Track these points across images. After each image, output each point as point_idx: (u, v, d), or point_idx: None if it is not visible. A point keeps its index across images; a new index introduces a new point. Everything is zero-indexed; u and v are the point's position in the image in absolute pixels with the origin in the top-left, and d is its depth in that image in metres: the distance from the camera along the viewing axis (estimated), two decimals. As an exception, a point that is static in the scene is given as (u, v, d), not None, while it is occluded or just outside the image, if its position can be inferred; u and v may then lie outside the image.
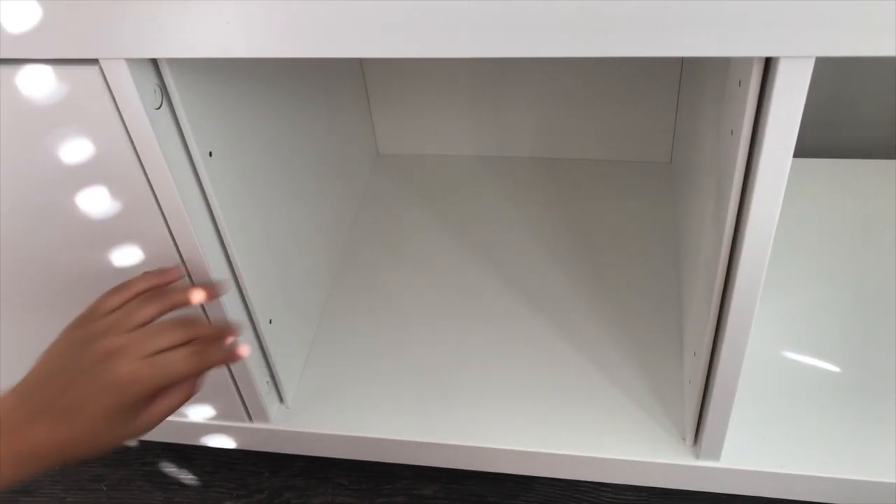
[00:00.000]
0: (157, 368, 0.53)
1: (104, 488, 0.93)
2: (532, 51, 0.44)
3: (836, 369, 0.74)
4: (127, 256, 0.62)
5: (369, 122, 1.02)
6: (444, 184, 1.01)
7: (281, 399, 0.77)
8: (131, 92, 0.51)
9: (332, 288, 0.89)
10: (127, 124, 0.53)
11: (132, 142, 0.54)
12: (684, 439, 0.70)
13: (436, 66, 0.96)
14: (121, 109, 0.52)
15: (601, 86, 0.94)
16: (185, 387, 0.56)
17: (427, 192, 1.00)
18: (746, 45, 0.41)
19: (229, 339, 0.59)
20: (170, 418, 0.78)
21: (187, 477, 0.93)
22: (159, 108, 0.54)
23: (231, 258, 0.65)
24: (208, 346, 0.56)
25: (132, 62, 0.50)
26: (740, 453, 0.68)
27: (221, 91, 0.61)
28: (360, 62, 0.97)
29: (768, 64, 0.44)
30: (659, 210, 0.93)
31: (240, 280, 0.66)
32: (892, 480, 0.66)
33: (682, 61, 0.88)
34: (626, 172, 0.98)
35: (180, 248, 0.61)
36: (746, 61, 0.45)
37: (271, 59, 0.66)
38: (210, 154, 0.59)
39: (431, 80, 0.97)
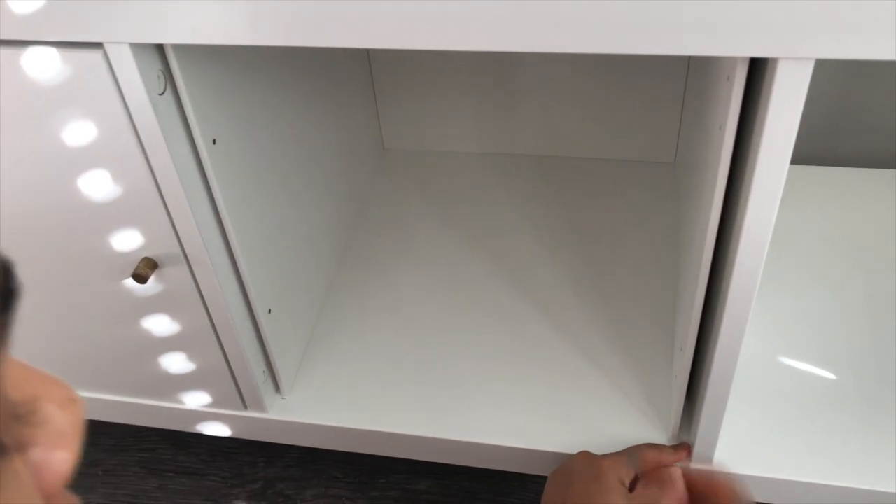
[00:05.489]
0: None
1: (100, 473, 0.93)
2: (531, 45, 0.44)
3: (831, 376, 0.74)
4: (126, 241, 0.63)
5: (375, 116, 1.02)
6: (448, 180, 1.01)
7: (277, 389, 0.77)
8: (134, 77, 0.52)
9: (334, 281, 0.90)
10: (130, 109, 0.54)
11: (135, 127, 0.55)
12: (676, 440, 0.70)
13: (443, 62, 0.96)
14: (124, 94, 0.53)
15: (607, 85, 0.94)
16: None
17: (431, 188, 1.00)
18: (745, 46, 0.41)
19: None
20: (165, 404, 0.79)
21: (183, 464, 0.93)
22: (163, 93, 0.54)
23: (231, 246, 0.65)
24: None
25: (136, 47, 0.50)
26: (733, 457, 0.68)
27: (227, 79, 0.61)
28: (368, 54, 0.97)
29: (765, 64, 0.44)
30: (662, 210, 0.93)
31: (240, 269, 0.66)
32: (888, 489, 0.66)
33: (689, 61, 0.88)
34: (630, 172, 0.98)
35: (180, 235, 0.61)
36: (739, 59, 0.45)
37: (277, 48, 0.67)
38: (214, 142, 0.60)
39: (438, 75, 0.98)
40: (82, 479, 0.92)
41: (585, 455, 0.67)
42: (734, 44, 0.42)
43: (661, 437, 0.71)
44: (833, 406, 0.72)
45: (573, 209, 0.95)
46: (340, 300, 0.88)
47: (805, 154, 0.96)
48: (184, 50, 0.54)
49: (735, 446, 0.69)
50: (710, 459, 0.67)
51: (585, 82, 0.94)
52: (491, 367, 0.79)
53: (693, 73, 0.87)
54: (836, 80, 0.92)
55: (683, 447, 0.67)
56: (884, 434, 0.70)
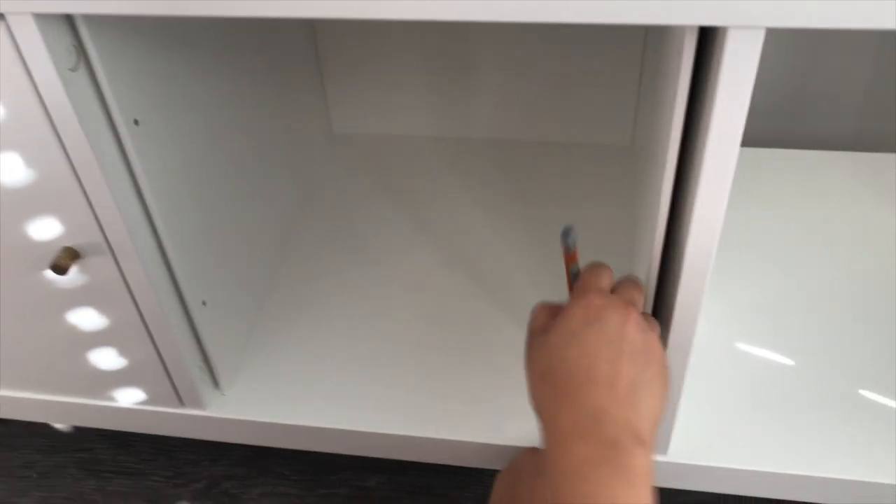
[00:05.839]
0: None
1: (34, 475, 0.89)
2: (469, 14, 0.41)
3: (789, 362, 0.73)
4: (43, 230, 0.59)
5: (323, 98, 0.98)
6: (400, 165, 0.98)
7: (216, 384, 0.74)
8: (41, 50, 0.48)
9: (278, 272, 0.86)
10: (38, 86, 0.50)
11: (44, 105, 0.51)
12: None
13: (395, 41, 0.93)
14: (30, 69, 0.49)
15: (562, 68, 0.91)
16: None
17: (382, 174, 0.97)
18: (692, 14, 0.39)
19: None
20: (97, 402, 0.75)
21: (123, 464, 0.89)
22: (74, 69, 0.50)
23: (159, 235, 0.61)
24: None
25: (41, 17, 0.46)
26: (688, 449, 0.66)
27: (151, 55, 0.57)
28: (314, 32, 0.93)
29: (717, 36, 0.41)
30: (618, 194, 0.90)
31: (169, 258, 0.62)
32: (845, 477, 0.65)
33: (644, 44, 0.85)
34: (587, 155, 0.96)
35: (102, 223, 0.57)
36: (688, 29, 0.42)
37: (208, 22, 0.63)
38: (136, 122, 0.56)
39: (390, 56, 0.94)
40: (15, 481, 0.88)
41: (533, 451, 0.64)
42: (681, 12, 0.39)
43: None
44: (790, 393, 0.70)
45: (529, 194, 0.92)
46: (284, 292, 0.84)
47: (763, 136, 0.95)
48: (97, 22, 0.49)
49: (691, 436, 0.67)
50: (664, 450, 0.65)
51: (541, 65, 0.92)
52: (441, 360, 0.76)
53: (648, 56, 0.84)
54: (794, 63, 0.91)
55: None
56: (840, 421, 0.68)
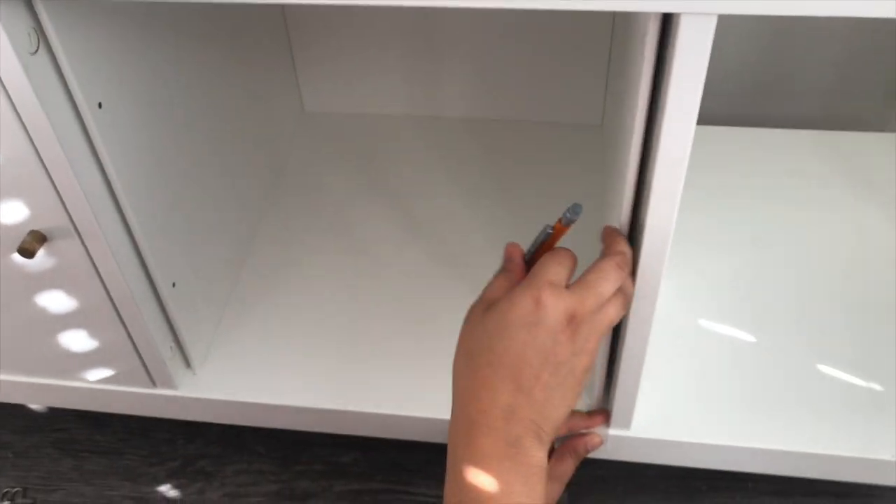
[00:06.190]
0: None
1: (10, 455, 0.89)
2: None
3: (750, 338, 0.74)
4: (9, 214, 0.59)
5: (293, 77, 0.98)
6: (371, 144, 0.98)
7: (188, 364, 0.74)
8: (-1, 35, 0.47)
9: (249, 252, 0.86)
10: (-3, 70, 0.49)
11: (5, 89, 0.50)
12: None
13: (366, 18, 0.92)
14: (-11, 54, 0.48)
15: (534, 46, 0.91)
16: None
17: (354, 153, 0.97)
18: (646, 2, 0.39)
19: None
20: (70, 384, 0.75)
21: (99, 444, 0.90)
22: (35, 52, 0.50)
23: (126, 218, 0.61)
24: None
25: (-2, 1, 0.46)
26: (651, 424, 0.67)
27: (114, 35, 0.57)
28: (283, 9, 0.92)
29: (673, 20, 0.42)
30: (590, 173, 0.91)
31: (137, 240, 0.62)
32: (808, 450, 0.67)
33: (613, 23, 0.86)
34: (558, 134, 0.96)
35: (67, 206, 0.57)
36: (651, 15, 0.43)
37: (161, 3, 0.62)
38: (99, 105, 0.56)
39: (361, 33, 0.94)
40: (-10, 462, 0.88)
41: None
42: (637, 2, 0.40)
43: (583, 405, 0.70)
44: (752, 369, 0.72)
45: (501, 173, 0.93)
46: (256, 272, 0.84)
47: (731, 115, 0.96)
48: (56, 4, 0.49)
49: (654, 412, 0.68)
50: (628, 425, 0.67)
51: (513, 43, 0.92)
52: (414, 338, 0.77)
53: (617, 36, 0.85)
54: (762, 42, 0.91)
55: (600, 413, 0.66)
56: (800, 396, 0.70)
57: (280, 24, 0.92)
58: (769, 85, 0.95)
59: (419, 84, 0.97)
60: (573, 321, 0.48)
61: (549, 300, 0.48)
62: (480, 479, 0.47)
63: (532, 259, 0.54)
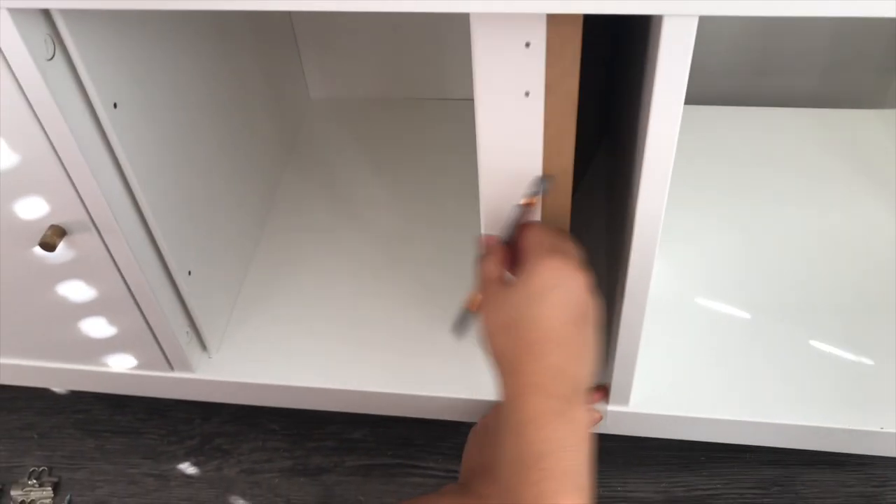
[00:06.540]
0: None
1: (35, 436, 0.93)
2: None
3: (745, 315, 0.76)
4: (31, 210, 0.61)
5: (299, 65, 1.00)
6: (379, 128, 1.00)
7: (204, 348, 0.77)
8: (17, 43, 0.49)
9: (261, 238, 0.89)
10: (16, 76, 0.52)
11: (25, 94, 0.53)
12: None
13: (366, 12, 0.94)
14: (8, 60, 0.51)
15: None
16: None
17: (361, 138, 0.99)
18: (632, 4, 0.41)
19: None
20: (91, 368, 0.78)
21: (119, 424, 0.93)
22: (52, 58, 0.52)
23: (143, 211, 0.64)
24: None
25: (16, 12, 0.48)
26: (649, 399, 0.70)
27: (127, 37, 0.59)
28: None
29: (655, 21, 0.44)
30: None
31: (153, 232, 0.65)
32: (801, 423, 0.69)
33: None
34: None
35: (85, 202, 0.60)
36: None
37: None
38: (115, 106, 0.58)
39: (363, 19, 0.95)
40: (17, 442, 0.92)
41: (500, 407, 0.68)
42: (623, 3, 0.42)
43: (582, 381, 0.72)
44: (746, 345, 0.74)
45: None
46: (268, 257, 0.87)
47: (725, 94, 0.97)
48: (73, 12, 0.51)
49: (652, 387, 0.71)
50: (626, 401, 0.69)
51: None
52: (423, 318, 0.80)
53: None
54: (754, 20, 0.92)
55: (598, 389, 0.69)
56: (792, 371, 0.72)
57: (285, 15, 0.94)
58: (763, 63, 0.96)
59: (423, 67, 0.99)
60: (585, 276, 0.52)
61: (559, 262, 0.52)
62: (538, 433, 0.49)
63: (513, 237, 0.57)
